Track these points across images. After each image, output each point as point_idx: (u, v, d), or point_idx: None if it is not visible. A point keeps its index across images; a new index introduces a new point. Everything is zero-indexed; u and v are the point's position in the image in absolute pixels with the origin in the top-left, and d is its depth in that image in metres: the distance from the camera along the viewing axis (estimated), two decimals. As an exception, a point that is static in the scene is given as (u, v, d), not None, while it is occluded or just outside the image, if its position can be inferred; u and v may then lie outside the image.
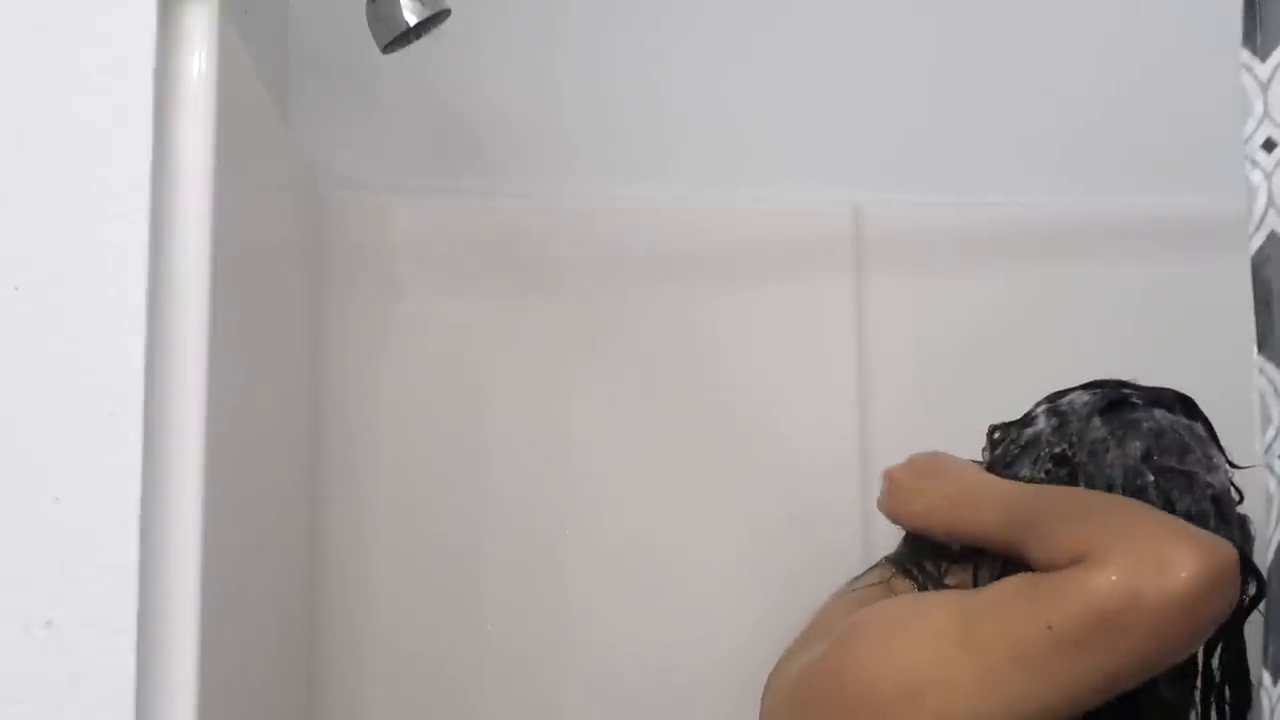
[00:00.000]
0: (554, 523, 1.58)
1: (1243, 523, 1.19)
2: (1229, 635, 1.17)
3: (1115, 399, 1.20)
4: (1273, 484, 0.99)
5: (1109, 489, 1.15)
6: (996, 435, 1.26)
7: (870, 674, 1.07)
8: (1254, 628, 1.13)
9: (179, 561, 0.95)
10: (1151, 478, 1.15)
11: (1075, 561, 1.00)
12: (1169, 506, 1.14)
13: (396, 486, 1.57)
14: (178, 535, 0.95)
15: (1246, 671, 1.16)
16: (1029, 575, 1.05)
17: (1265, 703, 0.97)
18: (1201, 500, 1.16)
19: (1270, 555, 0.99)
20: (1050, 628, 1.00)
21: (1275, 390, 1.01)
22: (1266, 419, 1.00)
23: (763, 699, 1.20)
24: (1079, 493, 1.15)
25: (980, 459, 1.27)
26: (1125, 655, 0.98)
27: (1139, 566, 0.97)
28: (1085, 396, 1.22)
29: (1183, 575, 0.96)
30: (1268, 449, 1.00)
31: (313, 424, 1.54)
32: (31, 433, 0.93)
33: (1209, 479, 1.17)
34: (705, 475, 1.60)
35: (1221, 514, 1.16)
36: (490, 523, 1.57)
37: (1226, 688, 1.17)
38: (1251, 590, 1.15)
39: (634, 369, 1.61)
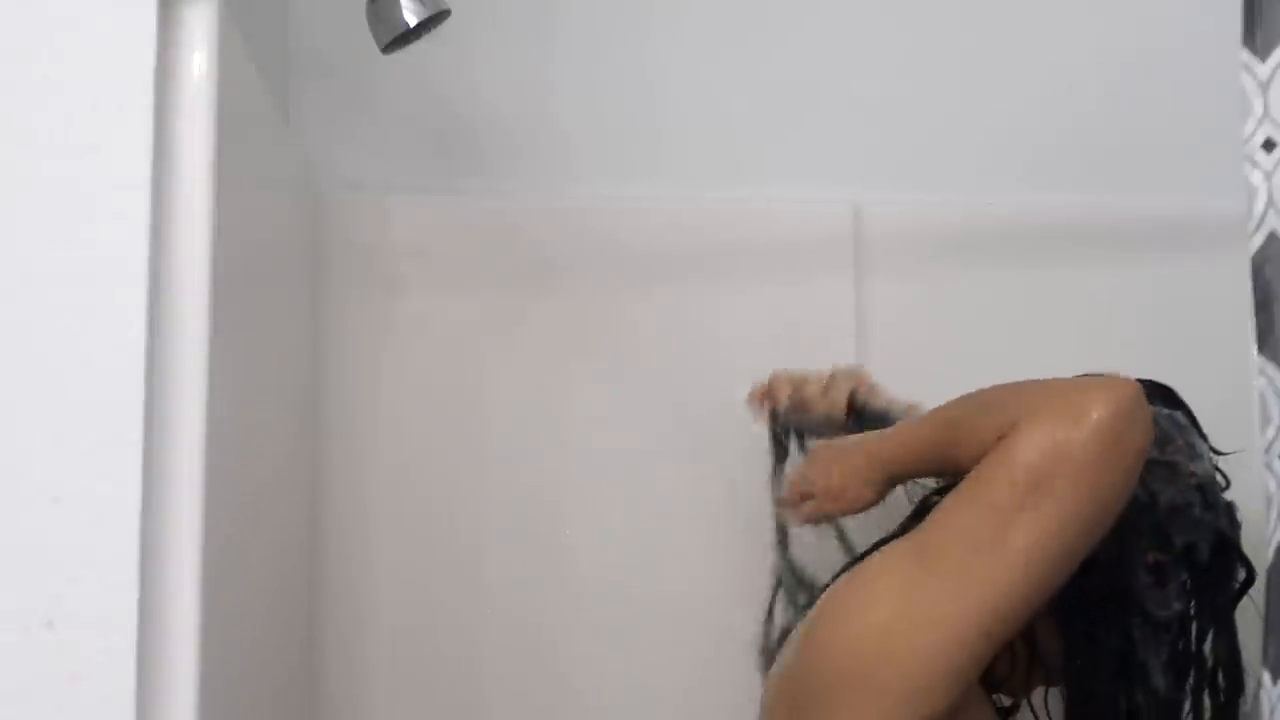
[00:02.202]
0: (554, 520, 1.58)
1: (1229, 508, 1.19)
2: (1220, 620, 1.17)
3: None
4: (1273, 484, 1.00)
5: None
6: None
7: (840, 644, 1.08)
8: (1249, 625, 1.13)
9: (179, 561, 0.95)
10: None
11: (1002, 437, 1.06)
12: (1152, 499, 1.15)
13: (396, 484, 1.57)
14: (177, 535, 0.95)
15: (1239, 656, 1.17)
16: (968, 476, 1.09)
17: (1265, 704, 0.97)
18: (1186, 490, 1.17)
19: (1270, 555, 0.99)
20: (992, 503, 1.04)
21: (1275, 390, 1.01)
22: (1266, 419, 1.01)
23: (761, 702, 1.20)
24: (986, 389, 1.18)
25: None
26: (1069, 505, 1.03)
27: (1055, 421, 1.04)
28: None
29: (1095, 415, 1.02)
30: (1268, 449, 1.00)
31: (313, 423, 1.54)
32: (31, 433, 0.93)
33: (1192, 467, 1.18)
34: (704, 473, 1.59)
35: (1206, 501, 1.17)
36: (491, 520, 1.58)
37: (1219, 674, 1.17)
38: (1241, 576, 1.16)
39: (633, 367, 1.61)
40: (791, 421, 1.40)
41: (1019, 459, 1.03)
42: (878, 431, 1.25)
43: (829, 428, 1.36)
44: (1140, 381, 1.23)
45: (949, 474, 1.11)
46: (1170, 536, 1.16)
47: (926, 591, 1.04)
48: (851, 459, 1.24)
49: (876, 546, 1.28)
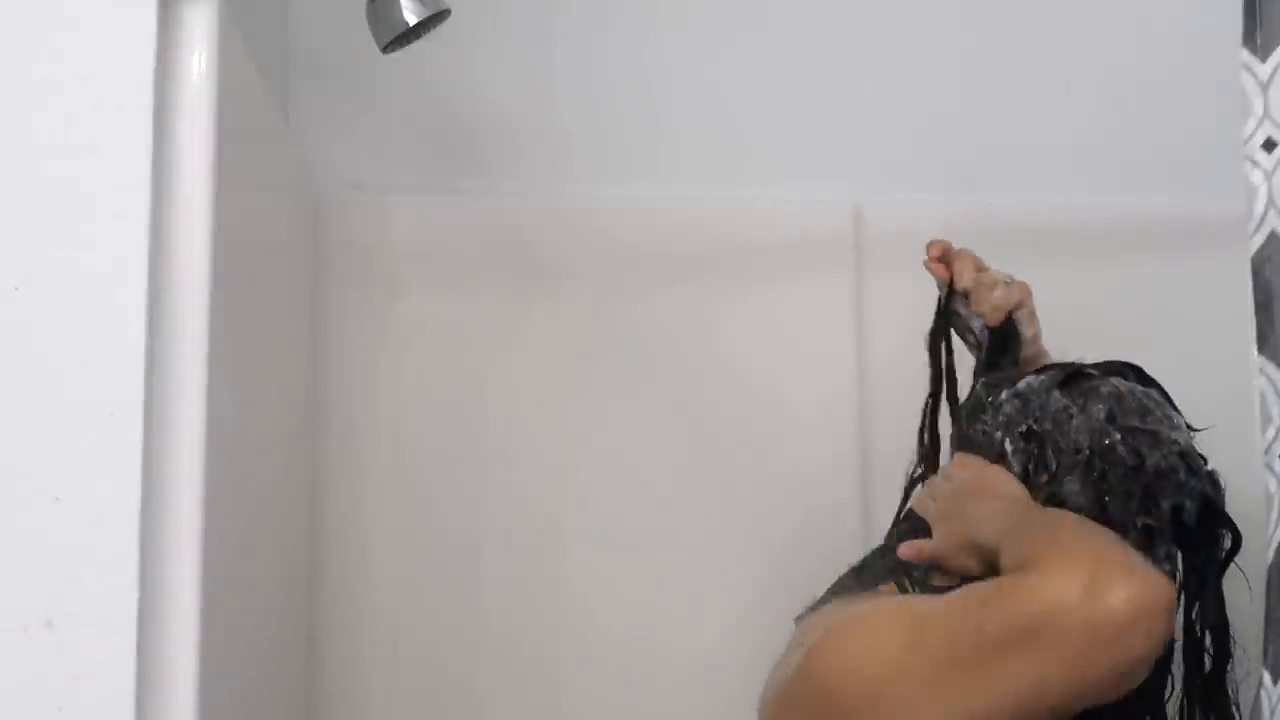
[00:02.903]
0: (553, 521, 1.58)
1: (1211, 476, 1.19)
2: (1207, 586, 1.17)
3: (1072, 372, 1.21)
4: (1273, 484, 0.99)
5: (1077, 453, 1.16)
6: (967, 432, 1.27)
7: (834, 678, 1.08)
8: (1249, 626, 1.13)
9: (179, 561, 0.95)
10: (1118, 435, 1.16)
11: (1019, 568, 1.02)
12: (1139, 461, 1.15)
13: (396, 485, 1.57)
14: (177, 535, 0.96)
15: (1227, 623, 1.17)
16: (980, 581, 1.07)
17: (1265, 704, 0.97)
18: (1169, 455, 1.17)
19: (1270, 555, 0.99)
20: (981, 628, 1.01)
21: (1275, 390, 1.01)
22: (1266, 419, 1.01)
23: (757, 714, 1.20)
24: (1058, 511, 1.14)
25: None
26: (1050, 669, 0.98)
27: (1070, 582, 0.97)
28: (1041, 376, 1.23)
29: (1109, 602, 0.95)
30: (1268, 449, 1.00)
31: (313, 423, 1.54)
32: (31, 433, 0.93)
33: (1174, 435, 1.18)
34: (704, 473, 1.60)
35: (1190, 467, 1.17)
36: (490, 521, 1.57)
37: (1207, 640, 1.17)
38: (1227, 543, 1.17)
39: (633, 367, 1.61)
40: (954, 302, 1.38)
41: (1020, 601, 0.99)
42: (993, 506, 1.20)
43: (971, 331, 1.36)
44: (1108, 363, 1.24)
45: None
46: (1158, 500, 1.16)
47: (908, 677, 1.04)
48: (965, 532, 1.20)
49: (877, 553, 1.29)
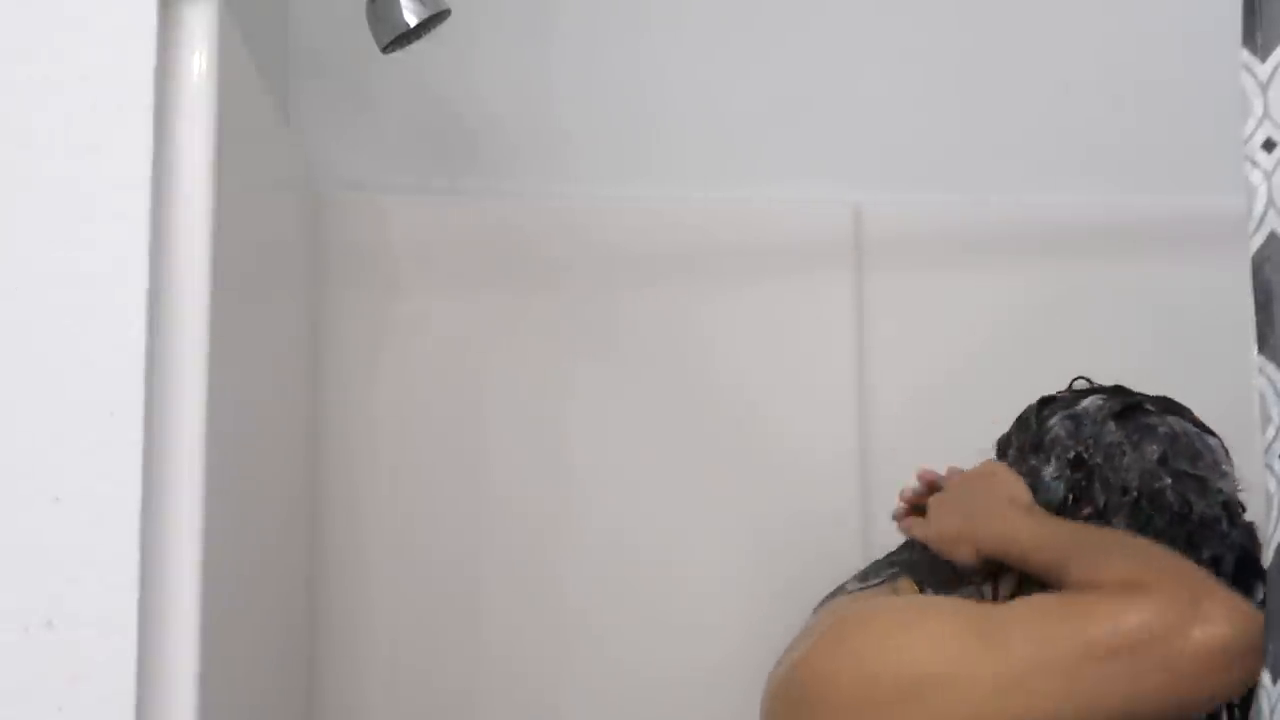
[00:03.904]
0: (552, 523, 1.58)
1: (1249, 528, 1.20)
2: None
3: (1130, 404, 1.21)
4: (1273, 484, 0.99)
5: (1125, 492, 1.17)
6: (1011, 442, 1.26)
7: (869, 668, 1.08)
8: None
9: (179, 561, 0.95)
10: (1168, 480, 1.17)
11: (1122, 585, 1.04)
12: (1185, 508, 1.16)
13: (395, 485, 1.57)
14: (177, 535, 0.95)
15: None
16: (1067, 593, 1.08)
17: (1265, 703, 0.97)
18: (1213, 505, 1.17)
19: (1270, 555, 0.99)
20: (1083, 635, 1.03)
21: (1275, 390, 1.01)
22: (1266, 419, 1.00)
23: (761, 701, 1.20)
24: (1128, 534, 1.16)
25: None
26: (1146, 686, 1.01)
27: (1181, 606, 1.01)
28: (1098, 401, 1.22)
29: (1217, 631, 1.00)
30: (1268, 449, 1.00)
31: (312, 423, 1.54)
32: (31, 433, 0.93)
33: (1220, 484, 1.19)
34: (704, 475, 1.59)
35: (1232, 519, 1.18)
36: (489, 523, 1.57)
37: None
38: (1260, 595, 1.16)
39: (633, 369, 1.61)
40: None
41: (1130, 615, 1.02)
42: (1002, 505, 1.21)
43: None
44: (1165, 399, 1.23)
45: (1046, 582, 1.11)
46: (1200, 549, 1.16)
47: (979, 671, 1.05)
48: (968, 524, 1.22)
49: (903, 547, 1.28)
